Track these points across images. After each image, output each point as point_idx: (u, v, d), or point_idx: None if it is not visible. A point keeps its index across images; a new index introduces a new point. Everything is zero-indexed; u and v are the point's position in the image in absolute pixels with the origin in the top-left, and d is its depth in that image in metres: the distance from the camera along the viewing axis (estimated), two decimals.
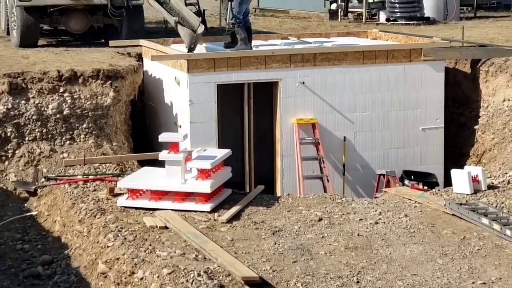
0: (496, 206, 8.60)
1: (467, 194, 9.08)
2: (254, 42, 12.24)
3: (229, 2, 11.62)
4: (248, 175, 11.75)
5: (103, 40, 14.66)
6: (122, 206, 8.81)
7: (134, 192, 8.92)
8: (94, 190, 9.52)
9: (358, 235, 7.94)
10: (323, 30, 16.34)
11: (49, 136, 10.91)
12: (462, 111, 12.53)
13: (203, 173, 8.85)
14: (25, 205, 10.06)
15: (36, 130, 10.89)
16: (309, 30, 16.87)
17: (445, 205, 8.66)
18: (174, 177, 8.88)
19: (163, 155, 9.03)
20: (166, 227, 8.15)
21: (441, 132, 12.02)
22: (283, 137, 11.41)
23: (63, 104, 11.07)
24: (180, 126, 11.36)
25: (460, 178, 9.20)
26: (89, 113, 11.12)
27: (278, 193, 11.22)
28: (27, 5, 13.85)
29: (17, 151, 10.76)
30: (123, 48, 13.36)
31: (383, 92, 11.74)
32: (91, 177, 9.97)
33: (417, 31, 15.81)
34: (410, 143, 11.90)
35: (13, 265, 8.58)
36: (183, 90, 11.22)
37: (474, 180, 9.19)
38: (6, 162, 10.67)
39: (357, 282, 6.82)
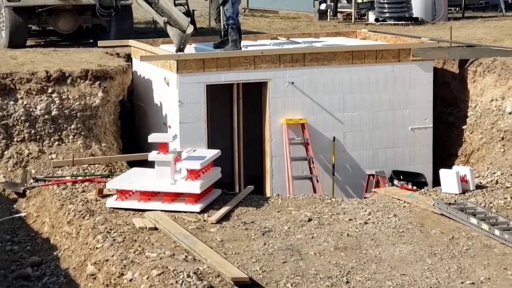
0: (485, 206, 8.64)
1: (456, 194, 9.12)
2: (243, 42, 12.23)
3: (220, 6, 11.61)
4: (238, 176, 11.75)
5: (91, 41, 14.62)
6: (111, 207, 8.79)
7: (123, 193, 8.91)
8: (83, 191, 9.50)
9: (347, 235, 7.95)
10: (313, 30, 16.35)
11: (38, 137, 10.87)
12: (450, 111, 12.57)
13: (193, 174, 8.84)
14: (14, 206, 10.02)
15: (25, 131, 10.85)
16: (298, 30, 16.88)
17: (433, 205, 8.69)
18: (163, 178, 8.87)
19: (152, 155, 9.02)
20: (156, 228, 8.14)
21: (430, 132, 12.05)
22: (272, 137, 11.42)
23: (52, 104, 11.04)
24: (170, 127, 11.35)
25: (449, 178, 9.24)
26: (78, 114, 11.09)
27: (268, 194, 11.22)
28: (15, 5, 13.79)
29: (5, 152, 10.72)
30: (112, 49, 13.32)
31: (372, 92, 11.77)
32: (79, 178, 9.95)
33: (405, 31, 15.85)
34: (399, 143, 11.93)
35: (2, 266, 8.55)
36: (172, 91, 11.20)
37: (463, 180, 9.22)
38: None
39: (347, 282, 6.84)
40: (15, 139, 10.81)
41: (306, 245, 7.69)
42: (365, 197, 10.41)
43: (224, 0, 11.57)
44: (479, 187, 9.32)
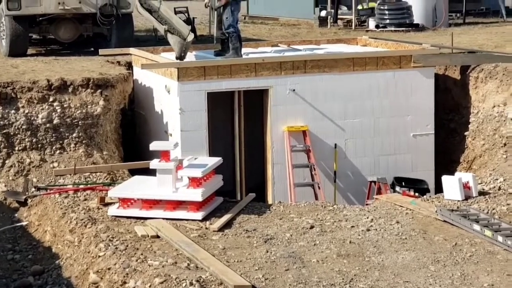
0: (487, 212, 8.62)
1: (458, 201, 9.10)
2: (244, 50, 12.24)
3: (216, 12, 11.62)
4: (239, 183, 11.73)
5: (92, 49, 14.63)
6: (113, 216, 8.78)
7: (125, 201, 8.90)
8: (85, 199, 9.49)
9: (350, 242, 7.93)
10: (313, 37, 16.36)
11: (39, 145, 10.86)
12: (452, 117, 12.55)
13: (194, 182, 8.83)
14: (16, 215, 10.01)
15: (26, 139, 10.84)
16: (299, 37, 16.89)
17: (436, 211, 8.67)
18: (165, 186, 8.86)
19: (154, 163, 9.02)
20: (158, 236, 8.13)
21: (432, 138, 12.04)
22: (274, 144, 11.41)
23: (53, 113, 11.03)
24: (171, 135, 11.34)
25: (451, 185, 9.22)
26: (79, 122, 11.08)
27: (270, 201, 11.20)
28: (16, 14, 13.81)
29: (7, 161, 10.71)
30: (113, 57, 13.33)
31: (374, 99, 11.76)
32: (81, 186, 9.93)
33: (406, 38, 15.85)
34: (400, 149, 11.91)
35: (4, 275, 8.54)
36: (173, 99, 11.20)
37: (465, 186, 9.21)
38: None
39: None
40: (16, 148, 10.81)
41: (308, 252, 7.67)
42: (367, 204, 10.38)
43: (219, 6, 11.57)
44: (481, 193, 9.30)
